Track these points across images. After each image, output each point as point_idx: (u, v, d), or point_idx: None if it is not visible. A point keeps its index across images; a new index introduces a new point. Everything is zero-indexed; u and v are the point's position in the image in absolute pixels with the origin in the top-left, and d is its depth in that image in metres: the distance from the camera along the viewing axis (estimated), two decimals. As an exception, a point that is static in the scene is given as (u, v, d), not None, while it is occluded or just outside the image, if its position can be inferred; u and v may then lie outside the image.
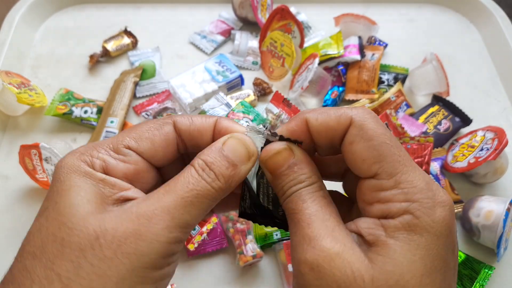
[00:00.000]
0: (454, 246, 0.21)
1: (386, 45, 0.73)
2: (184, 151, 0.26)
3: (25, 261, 0.19)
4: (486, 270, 0.50)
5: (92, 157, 0.22)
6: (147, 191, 0.24)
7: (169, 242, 0.20)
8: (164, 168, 0.26)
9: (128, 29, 0.74)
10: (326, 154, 0.26)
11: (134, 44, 0.73)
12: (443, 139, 0.61)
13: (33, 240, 0.20)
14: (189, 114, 0.64)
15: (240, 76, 0.67)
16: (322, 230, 0.21)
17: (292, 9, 0.76)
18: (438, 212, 0.20)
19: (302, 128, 0.24)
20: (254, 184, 0.26)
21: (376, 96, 0.65)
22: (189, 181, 0.21)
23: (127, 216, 0.20)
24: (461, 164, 0.56)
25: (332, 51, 0.67)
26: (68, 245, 0.19)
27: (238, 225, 0.51)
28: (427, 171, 0.53)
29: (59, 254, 0.19)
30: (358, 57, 0.66)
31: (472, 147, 0.57)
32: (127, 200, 0.21)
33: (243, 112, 0.59)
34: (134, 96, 0.67)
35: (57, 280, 0.18)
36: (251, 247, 0.49)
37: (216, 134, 0.25)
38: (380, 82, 0.67)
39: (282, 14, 0.68)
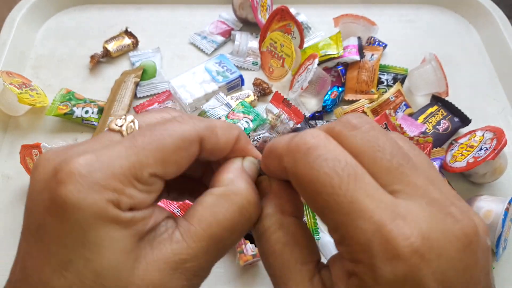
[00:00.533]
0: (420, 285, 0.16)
1: (386, 45, 0.73)
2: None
3: None
4: (485, 270, 0.50)
5: (118, 193, 0.18)
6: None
7: (206, 277, 0.20)
8: None
9: (129, 30, 0.74)
10: None
11: (135, 44, 0.74)
12: (442, 139, 0.62)
13: None
14: (191, 115, 0.64)
15: (240, 77, 0.67)
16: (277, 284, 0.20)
17: (292, 10, 0.76)
18: (385, 272, 0.16)
19: (268, 170, 0.22)
20: None
21: (375, 96, 0.65)
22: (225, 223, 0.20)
23: (171, 269, 0.19)
24: (460, 164, 0.56)
25: (332, 51, 0.67)
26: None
27: (238, 224, 0.51)
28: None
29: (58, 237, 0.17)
30: (357, 57, 0.66)
31: (471, 147, 0.57)
32: (154, 226, 0.20)
33: (243, 112, 0.59)
34: (134, 96, 0.67)
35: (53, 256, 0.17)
36: (251, 247, 0.50)
37: (234, 151, 0.24)
38: (380, 82, 0.67)
39: (282, 15, 0.68)
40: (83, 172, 0.17)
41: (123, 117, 0.21)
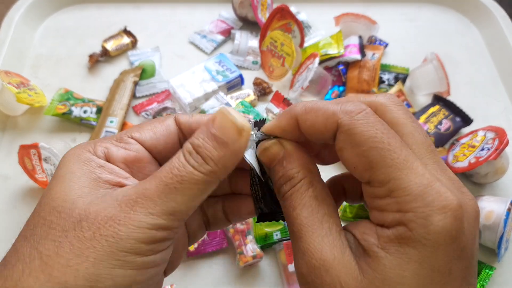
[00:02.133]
0: (460, 252, 0.19)
1: (387, 44, 0.73)
2: None
3: (17, 243, 0.20)
4: (487, 270, 0.50)
5: (95, 145, 0.23)
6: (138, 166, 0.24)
7: (151, 229, 0.20)
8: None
9: (128, 29, 0.74)
10: (324, 147, 0.25)
11: (134, 43, 0.73)
12: (444, 139, 0.61)
13: (27, 225, 0.21)
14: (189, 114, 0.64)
15: (240, 76, 0.66)
16: (313, 241, 0.20)
17: (292, 9, 0.75)
18: (436, 221, 0.18)
19: (292, 127, 0.23)
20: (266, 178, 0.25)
21: (376, 96, 0.64)
22: (174, 166, 0.21)
23: (112, 201, 0.20)
24: (462, 164, 0.56)
25: (333, 50, 0.66)
26: (54, 227, 0.20)
27: (238, 225, 0.51)
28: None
29: (45, 235, 0.19)
30: (358, 56, 0.65)
31: (473, 147, 0.57)
32: (121, 186, 0.22)
33: (243, 112, 0.59)
34: (133, 96, 0.67)
35: (38, 258, 0.19)
36: (251, 247, 0.49)
37: None
38: (381, 81, 0.67)
39: (282, 14, 0.67)
40: (84, 142, 0.24)
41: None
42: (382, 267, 0.19)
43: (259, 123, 0.25)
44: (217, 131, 0.21)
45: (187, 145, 0.21)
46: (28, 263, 0.19)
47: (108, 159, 0.23)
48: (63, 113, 0.62)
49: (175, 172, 0.20)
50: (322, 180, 0.23)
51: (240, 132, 0.21)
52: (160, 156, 0.25)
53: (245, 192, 0.27)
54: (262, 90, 0.66)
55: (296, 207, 0.22)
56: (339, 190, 0.26)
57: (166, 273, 0.25)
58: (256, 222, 0.26)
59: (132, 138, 0.24)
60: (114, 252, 0.19)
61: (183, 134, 0.25)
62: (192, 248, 0.50)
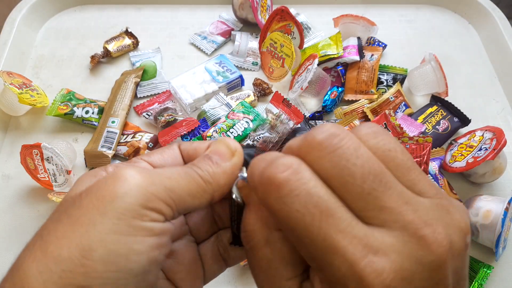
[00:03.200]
0: None
1: (385, 46, 0.73)
2: None
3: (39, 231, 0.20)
4: (485, 270, 0.50)
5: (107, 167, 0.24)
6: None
7: (146, 194, 0.19)
8: None
9: (129, 30, 0.74)
10: None
11: (135, 45, 0.74)
12: (442, 139, 0.62)
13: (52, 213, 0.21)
14: (189, 116, 0.64)
15: (240, 77, 0.67)
16: None
17: (292, 10, 0.76)
18: None
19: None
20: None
21: (375, 96, 0.65)
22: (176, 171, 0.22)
23: (113, 179, 0.20)
24: (460, 164, 0.56)
25: (332, 51, 0.67)
26: (58, 209, 0.20)
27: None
28: (426, 171, 0.53)
29: (52, 217, 0.20)
30: (357, 57, 0.66)
31: (471, 147, 0.57)
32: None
33: (243, 113, 0.59)
34: (135, 97, 0.67)
35: (39, 240, 0.19)
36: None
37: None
38: (379, 82, 0.67)
39: (282, 15, 0.68)
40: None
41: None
42: None
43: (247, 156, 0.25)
44: (212, 154, 0.23)
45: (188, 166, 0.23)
46: (30, 248, 0.19)
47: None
48: (65, 114, 0.62)
49: (180, 169, 0.22)
50: (283, 235, 0.21)
51: (232, 154, 0.23)
52: None
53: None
54: (262, 91, 0.66)
55: (255, 269, 0.21)
56: None
57: None
58: (230, 244, 0.26)
59: (142, 159, 0.24)
60: (108, 214, 0.18)
61: (184, 160, 0.26)
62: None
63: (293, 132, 0.58)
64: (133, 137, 0.61)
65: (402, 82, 0.68)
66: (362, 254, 0.16)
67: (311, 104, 0.66)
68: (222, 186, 0.22)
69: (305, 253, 0.18)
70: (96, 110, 0.63)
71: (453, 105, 0.64)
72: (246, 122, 0.59)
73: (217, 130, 0.58)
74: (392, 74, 0.68)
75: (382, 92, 0.66)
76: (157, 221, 0.20)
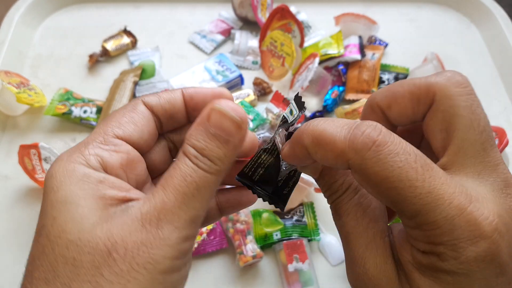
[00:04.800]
0: (498, 270, 0.18)
1: (387, 44, 0.73)
2: (161, 131, 0.25)
3: None
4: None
5: (83, 155, 0.21)
6: (141, 183, 0.23)
7: (180, 243, 0.19)
8: (149, 154, 0.25)
9: (128, 29, 0.74)
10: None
11: (134, 43, 0.73)
12: (444, 139, 0.61)
13: (40, 265, 0.18)
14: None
15: (240, 76, 0.66)
16: (357, 249, 0.21)
17: (292, 9, 0.75)
18: (468, 252, 0.17)
19: (306, 157, 0.22)
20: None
21: (376, 95, 0.64)
22: (186, 173, 0.20)
23: (134, 224, 0.19)
24: (462, 164, 0.56)
25: (332, 50, 0.66)
26: (81, 264, 0.18)
27: (238, 225, 0.51)
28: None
29: (74, 276, 0.18)
30: (358, 56, 0.65)
31: (473, 147, 0.57)
32: (129, 200, 0.20)
33: (243, 112, 0.59)
34: (133, 96, 0.67)
35: None
36: (251, 247, 0.49)
37: (188, 102, 0.24)
38: (381, 81, 0.67)
39: (282, 14, 0.67)
40: (63, 153, 0.21)
41: None
42: (416, 286, 0.19)
43: (297, 101, 0.25)
44: (218, 131, 0.20)
45: (190, 149, 0.20)
46: None
47: (104, 168, 0.21)
48: (63, 113, 0.62)
49: (189, 179, 0.20)
50: None
51: (239, 126, 0.21)
52: (144, 147, 0.24)
53: (234, 183, 0.26)
54: (262, 90, 0.66)
55: (342, 215, 0.22)
56: None
57: None
58: (237, 175, 0.25)
59: (117, 137, 0.22)
60: (154, 277, 0.18)
61: (157, 117, 0.24)
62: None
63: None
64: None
65: (403, 81, 0.68)
66: (467, 201, 0.18)
67: (311, 104, 0.66)
68: (232, 162, 0.22)
69: (405, 210, 0.18)
70: (94, 109, 0.63)
71: (455, 104, 0.63)
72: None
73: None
74: (393, 73, 0.68)
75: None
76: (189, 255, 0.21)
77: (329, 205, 0.23)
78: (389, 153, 0.18)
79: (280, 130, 0.25)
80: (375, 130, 0.19)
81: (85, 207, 0.19)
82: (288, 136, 0.25)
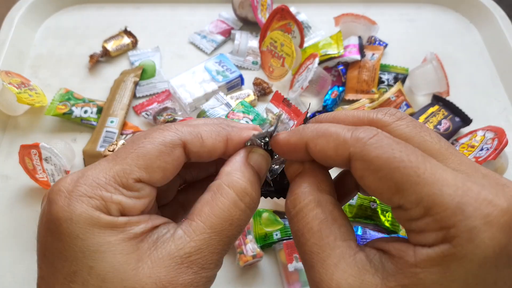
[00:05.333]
0: (507, 259, 0.17)
1: (386, 45, 0.73)
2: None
3: None
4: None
5: (104, 201, 0.19)
6: (150, 208, 0.23)
7: (216, 271, 0.22)
8: None
9: (128, 29, 0.74)
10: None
11: (134, 44, 0.73)
12: (443, 139, 0.61)
13: None
14: (189, 115, 0.64)
15: (240, 76, 0.67)
16: (325, 271, 0.19)
17: (292, 9, 0.76)
18: (483, 232, 0.16)
19: (299, 148, 0.22)
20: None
21: (376, 96, 0.65)
22: (233, 216, 0.21)
23: (176, 264, 0.19)
24: (461, 164, 0.56)
25: (332, 51, 0.67)
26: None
27: (238, 225, 0.51)
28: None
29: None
30: (358, 57, 0.66)
31: (472, 147, 0.57)
32: (153, 229, 0.21)
33: (243, 112, 0.59)
34: (134, 96, 0.67)
35: None
36: (251, 247, 0.49)
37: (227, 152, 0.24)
38: (380, 82, 0.67)
39: (282, 14, 0.68)
40: (69, 188, 0.19)
41: (114, 142, 0.23)
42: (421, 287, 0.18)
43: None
44: (259, 173, 0.23)
45: (240, 190, 0.22)
46: None
47: (123, 214, 0.20)
48: (64, 113, 0.62)
49: (235, 223, 0.21)
50: (334, 200, 0.22)
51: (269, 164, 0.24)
52: (162, 187, 0.23)
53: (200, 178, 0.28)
54: (262, 90, 0.66)
55: (304, 233, 0.20)
56: (350, 182, 0.25)
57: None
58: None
59: (142, 181, 0.21)
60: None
61: (188, 158, 0.23)
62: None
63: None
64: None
65: (403, 82, 0.68)
66: (473, 183, 0.18)
67: (311, 104, 0.66)
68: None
69: (410, 194, 0.18)
70: (94, 109, 0.63)
71: (454, 104, 0.63)
72: (246, 121, 0.58)
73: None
74: (393, 74, 0.68)
75: (383, 92, 0.66)
76: None
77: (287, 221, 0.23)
78: (390, 142, 0.19)
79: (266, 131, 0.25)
80: (371, 129, 0.20)
81: (121, 253, 0.19)
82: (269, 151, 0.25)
